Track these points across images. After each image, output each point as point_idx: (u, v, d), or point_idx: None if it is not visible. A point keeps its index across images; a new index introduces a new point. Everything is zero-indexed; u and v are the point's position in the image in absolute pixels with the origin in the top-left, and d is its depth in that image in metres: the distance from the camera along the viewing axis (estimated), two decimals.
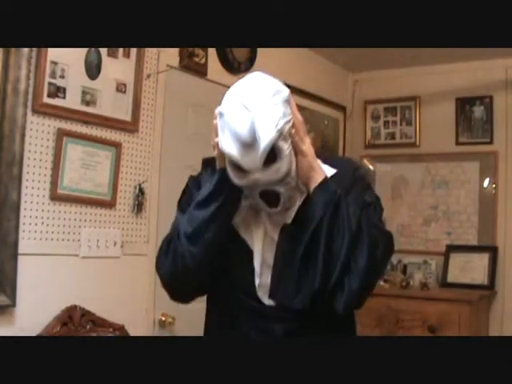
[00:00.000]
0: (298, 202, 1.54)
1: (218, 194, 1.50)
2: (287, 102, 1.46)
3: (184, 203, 1.64)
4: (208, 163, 1.62)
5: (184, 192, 1.70)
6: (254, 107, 1.39)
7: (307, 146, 1.51)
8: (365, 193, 1.58)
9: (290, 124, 1.45)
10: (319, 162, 1.56)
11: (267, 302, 1.55)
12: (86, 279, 2.67)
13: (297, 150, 1.49)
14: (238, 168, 1.44)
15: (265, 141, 1.38)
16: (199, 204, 1.53)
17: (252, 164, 1.40)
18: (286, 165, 1.45)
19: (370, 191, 1.62)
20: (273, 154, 1.41)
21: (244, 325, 1.57)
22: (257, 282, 1.55)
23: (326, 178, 1.51)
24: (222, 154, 1.48)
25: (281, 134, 1.41)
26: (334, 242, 1.44)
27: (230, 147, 1.41)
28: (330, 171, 1.57)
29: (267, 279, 1.54)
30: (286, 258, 1.51)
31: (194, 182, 1.68)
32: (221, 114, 1.44)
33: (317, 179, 1.50)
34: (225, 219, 1.53)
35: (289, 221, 1.53)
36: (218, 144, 1.47)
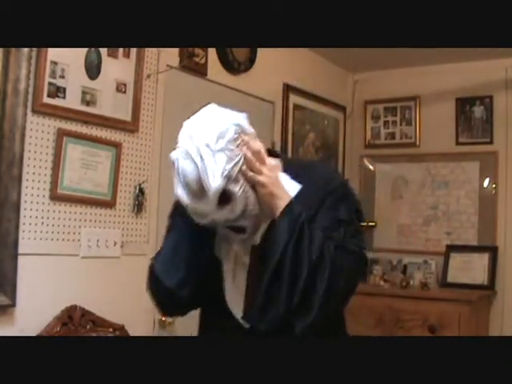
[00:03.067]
0: (265, 224, 1.54)
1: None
2: (234, 140, 1.43)
3: (170, 224, 1.67)
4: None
5: (170, 215, 1.70)
6: (199, 158, 1.40)
7: (266, 174, 1.48)
8: (337, 208, 1.54)
9: (239, 165, 1.44)
10: (285, 178, 1.54)
11: (241, 320, 1.57)
12: (86, 279, 2.67)
13: (254, 184, 1.47)
14: (196, 210, 1.47)
15: (212, 190, 1.40)
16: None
17: (205, 209, 1.44)
18: (241, 203, 1.45)
19: (343, 205, 1.56)
20: (226, 196, 1.43)
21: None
22: (228, 300, 1.58)
23: (290, 203, 1.48)
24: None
25: (229, 179, 1.42)
26: (298, 269, 1.43)
27: (183, 195, 1.45)
28: (296, 188, 1.55)
29: (237, 298, 1.57)
30: (256, 280, 1.52)
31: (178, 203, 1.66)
32: (173, 162, 1.46)
33: (280, 206, 1.47)
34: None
35: (257, 241, 1.55)
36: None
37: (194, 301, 1.62)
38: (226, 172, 1.40)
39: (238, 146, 1.44)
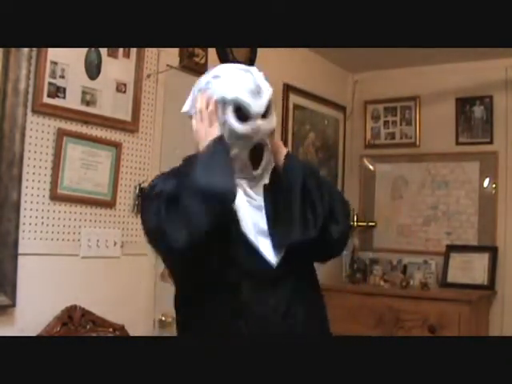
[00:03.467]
0: (271, 167, 1.75)
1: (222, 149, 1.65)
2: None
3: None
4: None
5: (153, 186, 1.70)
6: (250, 69, 1.73)
7: (276, 138, 1.78)
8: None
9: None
10: None
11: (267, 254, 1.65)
12: (86, 279, 2.67)
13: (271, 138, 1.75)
14: (241, 117, 1.64)
15: (267, 90, 1.70)
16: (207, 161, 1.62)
17: (259, 108, 1.65)
18: (275, 123, 1.72)
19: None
20: (267, 110, 1.68)
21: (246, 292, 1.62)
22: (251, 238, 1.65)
23: (291, 154, 1.80)
24: (214, 113, 1.67)
25: (272, 99, 1.71)
26: (320, 189, 1.70)
27: (242, 96, 1.64)
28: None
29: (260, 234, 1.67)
30: (277, 206, 1.69)
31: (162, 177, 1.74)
32: (216, 77, 1.70)
33: (283, 154, 1.76)
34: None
35: (266, 181, 1.74)
36: (213, 104, 1.67)
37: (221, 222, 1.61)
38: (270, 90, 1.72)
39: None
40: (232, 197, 1.57)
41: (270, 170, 1.76)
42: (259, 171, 1.72)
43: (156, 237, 1.58)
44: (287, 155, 1.76)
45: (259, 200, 1.71)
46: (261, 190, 1.73)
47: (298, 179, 1.68)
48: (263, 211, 1.70)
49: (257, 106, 1.65)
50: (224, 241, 1.60)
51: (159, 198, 1.57)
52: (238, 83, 1.65)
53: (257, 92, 1.66)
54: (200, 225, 1.50)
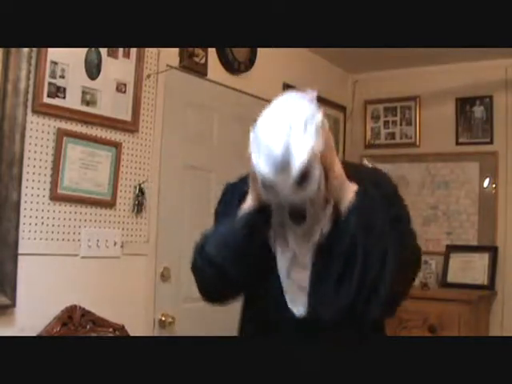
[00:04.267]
0: (324, 221, 1.56)
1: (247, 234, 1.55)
2: (320, 125, 1.46)
3: (222, 211, 1.69)
4: (235, 188, 1.69)
5: (221, 201, 1.74)
6: (289, 129, 1.40)
7: (337, 167, 1.52)
8: (392, 204, 1.62)
9: (322, 147, 1.45)
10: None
11: (297, 312, 1.59)
12: (86, 279, 2.67)
13: (327, 172, 1.50)
14: (270, 186, 1.45)
15: (298, 162, 1.39)
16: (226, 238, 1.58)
17: (284, 184, 1.42)
18: (317, 185, 1.46)
19: (395, 200, 1.66)
20: (304, 175, 1.42)
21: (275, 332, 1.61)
22: (286, 296, 1.60)
23: (356, 199, 1.51)
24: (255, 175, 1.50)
25: (313, 157, 1.42)
26: (367, 259, 1.47)
27: (263, 166, 1.42)
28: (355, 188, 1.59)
29: (296, 292, 1.59)
30: (320, 273, 1.56)
31: (233, 188, 1.72)
32: (255, 131, 1.47)
33: (347, 199, 1.51)
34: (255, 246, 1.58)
35: (316, 237, 1.57)
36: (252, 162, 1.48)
37: (241, 287, 1.63)
38: (312, 149, 1.41)
39: (322, 130, 1.45)
40: (231, 271, 1.55)
41: (322, 225, 1.57)
42: (304, 227, 1.56)
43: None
44: (348, 208, 1.51)
45: (303, 259, 1.59)
46: (305, 250, 1.58)
47: (345, 242, 1.49)
48: (308, 269, 1.59)
49: (281, 182, 1.42)
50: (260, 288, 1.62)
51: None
52: (263, 151, 1.42)
53: (282, 167, 1.39)
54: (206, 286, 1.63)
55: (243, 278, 1.58)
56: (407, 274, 1.58)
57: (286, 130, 1.40)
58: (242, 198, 1.60)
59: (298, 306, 1.59)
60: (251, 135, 1.47)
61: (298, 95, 1.51)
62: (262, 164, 1.42)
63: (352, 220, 1.49)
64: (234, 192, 1.68)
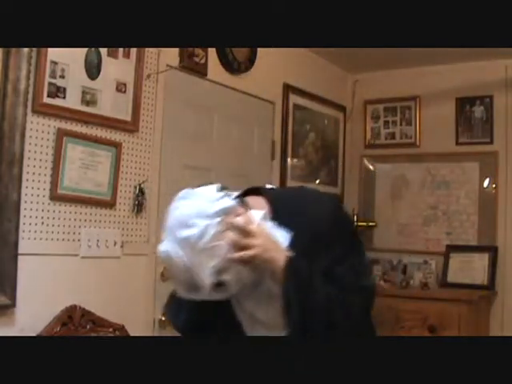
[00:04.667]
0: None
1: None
2: (216, 234, 1.40)
3: None
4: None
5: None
6: (185, 259, 1.39)
7: (256, 244, 1.44)
8: (334, 245, 1.52)
9: (226, 254, 1.40)
10: (274, 229, 1.51)
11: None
12: (86, 279, 2.67)
13: (246, 262, 1.45)
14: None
15: (205, 287, 1.39)
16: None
17: (201, 297, 1.42)
18: (236, 284, 1.44)
19: (340, 236, 1.55)
20: (218, 284, 1.41)
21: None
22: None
23: (288, 263, 1.46)
24: None
25: (219, 272, 1.40)
26: (313, 326, 1.47)
27: (177, 288, 1.46)
28: (287, 238, 1.51)
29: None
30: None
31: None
32: (162, 257, 1.46)
33: (278, 268, 1.46)
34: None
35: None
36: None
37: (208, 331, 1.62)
38: (212, 270, 1.39)
39: (221, 234, 1.40)
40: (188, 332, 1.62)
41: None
42: (227, 294, 1.47)
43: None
44: (282, 284, 1.46)
45: (259, 315, 1.56)
46: (258, 304, 1.55)
47: (290, 317, 1.46)
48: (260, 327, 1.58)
49: (196, 296, 1.43)
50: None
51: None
52: (174, 278, 1.46)
53: (192, 285, 1.41)
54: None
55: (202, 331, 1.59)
56: (355, 315, 1.54)
57: (183, 258, 1.39)
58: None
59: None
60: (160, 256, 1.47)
61: (188, 200, 1.45)
62: (176, 286, 1.46)
63: (288, 295, 1.45)
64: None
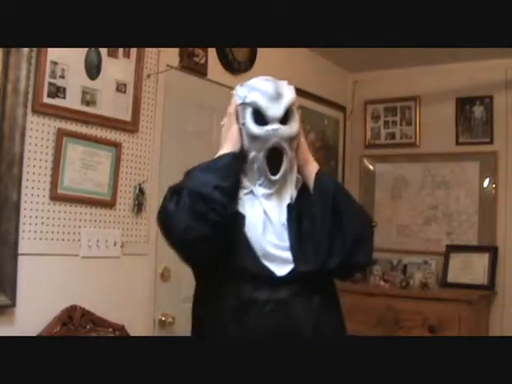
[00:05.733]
0: (291, 185, 1.76)
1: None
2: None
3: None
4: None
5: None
6: (277, 82, 1.79)
7: (304, 146, 1.83)
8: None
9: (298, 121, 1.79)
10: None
11: (279, 272, 1.65)
12: (86, 279, 2.67)
13: (296, 150, 1.78)
14: (259, 121, 1.70)
15: (287, 96, 1.75)
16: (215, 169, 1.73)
17: (275, 112, 1.71)
18: (297, 126, 1.75)
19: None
20: (288, 112, 1.74)
21: (248, 292, 1.64)
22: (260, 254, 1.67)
23: (323, 172, 1.80)
24: (233, 115, 1.75)
25: (294, 102, 1.77)
26: (351, 216, 1.70)
27: (259, 99, 1.71)
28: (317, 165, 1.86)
29: (273, 251, 1.67)
30: (302, 226, 1.70)
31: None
32: (241, 85, 1.77)
33: (311, 172, 1.78)
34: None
35: (286, 200, 1.74)
36: (234, 107, 1.76)
37: (218, 227, 1.64)
38: (294, 95, 1.80)
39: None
40: (216, 197, 1.62)
41: (296, 185, 1.78)
42: (278, 177, 1.72)
43: (162, 226, 1.79)
44: (318, 172, 1.78)
45: (279, 216, 1.71)
46: (281, 203, 1.73)
47: (329, 200, 1.70)
48: (285, 229, 1.70)
49: (274, 109, 1.71)
50: (228, 243, 1.66)
51: (169, 192, 1.77)
52: (258, 89, 1.74)
53: (275, 98, 1.72)
54: (187, 224, 1.64)
55: (225, 210, 1.62)
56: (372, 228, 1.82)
57: (275, 81, 1.78)
58: None
59: (273, 262, 1.65)
60: (235, 92, 1.77)
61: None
62: (258, 98, 1.71)
63: (328, 182, 1.76)
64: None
